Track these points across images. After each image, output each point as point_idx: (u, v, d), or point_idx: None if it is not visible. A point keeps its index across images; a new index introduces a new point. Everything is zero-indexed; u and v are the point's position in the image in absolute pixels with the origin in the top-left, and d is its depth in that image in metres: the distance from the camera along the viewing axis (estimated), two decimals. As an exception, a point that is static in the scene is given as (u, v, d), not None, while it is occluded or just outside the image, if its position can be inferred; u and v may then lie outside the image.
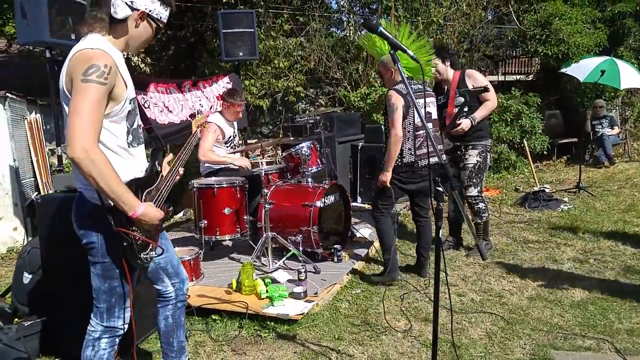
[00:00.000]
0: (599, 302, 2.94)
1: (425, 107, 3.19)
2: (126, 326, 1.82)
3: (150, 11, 1.67)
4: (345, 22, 8.65)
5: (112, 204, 1.58)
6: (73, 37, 3.04)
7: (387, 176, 3.20)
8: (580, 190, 5.99)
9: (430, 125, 3.25)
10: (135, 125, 1.74)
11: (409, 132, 3.18)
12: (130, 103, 1.68)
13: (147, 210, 1.64)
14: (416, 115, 3.13)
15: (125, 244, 1.64)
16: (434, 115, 3.33)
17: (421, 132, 3.19)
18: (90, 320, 1.81)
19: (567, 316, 2.78)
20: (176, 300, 2.02)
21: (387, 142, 3.23)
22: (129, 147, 1.71)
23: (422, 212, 3.44)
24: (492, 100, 3.71)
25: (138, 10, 1.65)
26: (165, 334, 2.05)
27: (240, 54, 4.92)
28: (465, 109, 3.59)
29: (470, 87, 3.67)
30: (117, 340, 1.83)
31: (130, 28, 1.67)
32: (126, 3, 1.62)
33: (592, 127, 8.19)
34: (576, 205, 5.40)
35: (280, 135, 7.58)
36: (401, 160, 3.21)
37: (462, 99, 3.65)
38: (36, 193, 4.94)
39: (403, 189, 3.32)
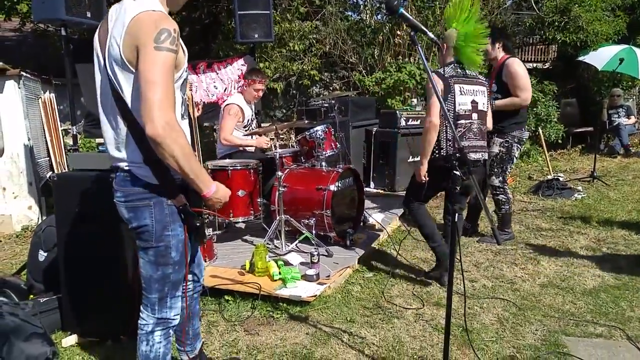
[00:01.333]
0: (611, 290, 2.93)
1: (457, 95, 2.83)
2: (179, 317, 1.72)
3: None
4: (361, 6, 8.50)
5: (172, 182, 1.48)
6: (88, 14, 3.04)
7: (422, 170, 2.87)
8: (595, 179, 5.93)
9: (475, 116, 2.90)
10: (185, 96, 1.63)
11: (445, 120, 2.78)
12: (185, 71, 1.58)
13: (218, 188, 1.57)
14: (457, 101, 2.80)
15: (198, 224, 1.56)
16: (481, 107, 2.94)
17: (463, 121, 2.85)
18: (140, 314, 1.70)
19: (579, 303, 2.78)
20: (193, 291, 1.95)
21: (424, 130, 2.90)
22: (182, 119, 1.57)
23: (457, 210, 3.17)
24: (521, 96, 3.56)
25: None
26: (180, 324, 1.98)
27: (256, 35, 4.87)
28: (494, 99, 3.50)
29: (504, 78, 3.57)
30: (171, 331, 1.73)
31: None
32: None
33: (608, 117, 8.05)
34: (590, 194, 5.34)
35: (294, 119, 7.56)
36: (439, 152, 2.85)
37: (495, 87, 3.56)
38: (50, 172, 5.00)
39: (444, 187, 2.97)
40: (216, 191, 1.56)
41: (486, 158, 3.07)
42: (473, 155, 2.91)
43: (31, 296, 2.78)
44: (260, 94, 4.22)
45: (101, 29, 1.54)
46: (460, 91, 2.84)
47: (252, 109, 4.28)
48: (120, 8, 1.48)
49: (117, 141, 1.54)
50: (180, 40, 1.48)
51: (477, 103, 2.93)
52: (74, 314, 2.49)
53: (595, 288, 2.97)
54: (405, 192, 3.23)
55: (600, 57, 7.35)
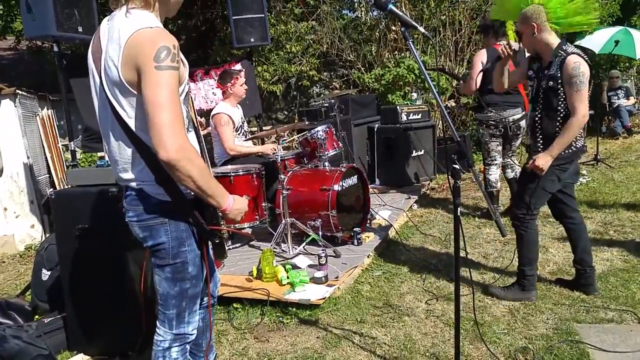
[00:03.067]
0: (620, 273, 2.91)
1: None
2: (196, 332, 1.67)
3: None
4: (356, 3, 8.48)
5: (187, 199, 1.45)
6: (80, 29, 3.02)
7: (548, 162, 2.48)
8: (598, 162, 5.90)
9: None
10: (188, 108, 1.57)
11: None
12: (187, 84, 1.52)
13: (235, 199, 1.52)
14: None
15: (217, 241, 1.53)
16: None
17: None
18: (157, 329, 1.64)
19: (590, 289, 2.74)
20: (207, 303, 1.91)
21: (562, 120, 2.50)
22: (187, 132, 1.49)
23: (569, 211, 2.75)
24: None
25: None
26: (194, 338, 1.95)
27: (252, 39, 4.86)
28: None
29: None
30: (188, 347, 1.68)
31: None
32: None
33: (608, 99, 8.01)
34: (594, 178, 5.31)
35: (296, 120, 7.55)
36: (575, 145, 2.52)
37: None
38: (51, 189, 4.99)
39: (560, 181, 2.61)
40: (234, 202, 1.51)
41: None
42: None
43: (36, 317, 2.76)
44: (244, 88, 4.15)
45: (93, 45, 1.48)
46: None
47: (240, 112, 4.25)
48: (112, 23, 1.41)
49: (123, 161, 1.49)
50: (180, 54, 1.43)
51: None
52: (79, 333, 2.46)
53: (605, 272, 2.94)
54: (517, 197, 2.74)
55: (596, 41, 7.32)
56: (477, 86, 3.93)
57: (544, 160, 2.48)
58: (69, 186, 2.50)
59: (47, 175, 5.13)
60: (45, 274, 2.83)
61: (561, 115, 2.50)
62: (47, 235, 4.81)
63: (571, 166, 2.59)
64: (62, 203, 2.41)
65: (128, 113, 1.41)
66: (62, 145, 5.25)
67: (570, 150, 2.53)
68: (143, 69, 1.31)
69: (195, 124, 1.67)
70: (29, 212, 4.87)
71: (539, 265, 3.13)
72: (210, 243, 1.59)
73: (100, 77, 1.42)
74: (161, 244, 1.51)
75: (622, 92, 8.03)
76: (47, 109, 5.32)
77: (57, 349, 2.45)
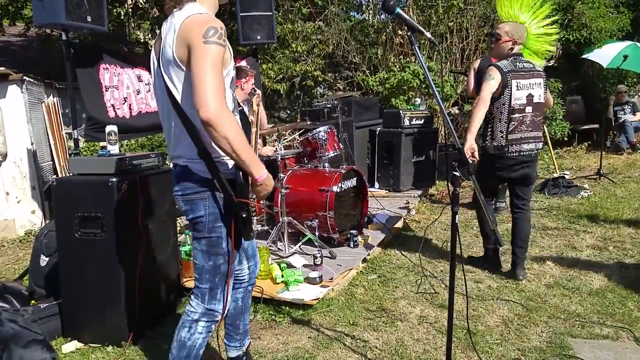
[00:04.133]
0: (618, 290, 2.89)
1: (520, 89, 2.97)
2: (223, 313, 1.77)
3: None
4: (364, 6, 8.48)
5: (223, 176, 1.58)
6: (89, 19, 3.02)
7: (468, 145, 2.92)
8: (601, 176, 5.87)
9: (529, 109, 3.00)
10: (234, 94, 1.73)
11: (501, 113, 2.97)
12: (233, 69, 1.66)
13: (268, 175, 1.62)
14: (513, 96, 2.93)
15: (244, 215, 1.62)
16: (537, 99, 3.02)
17: (517, 115, 2.97)
18: (190, 301, 1.76)
19: (586, 304, 2.74)
20: (248, 283, 2.01)
21: (491, 118, 3.03)
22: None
23: (520, 203, 3.17)
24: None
25: None
26: (232, 317, 2.01)
27: (258, 37, 4.85)
28: None
29: None
30: (213, 326, 1.77)
31: None
32: None
33: (614, 113, 7.97)
34: (596, 192, 5.28)
35: (298, 120, 7.55)
36: (491, 141, 3.02)
37: None
38: (54, 176, 5.01)
39: (502, 177, 3.13)
40: (267, 177, 1.61)
41: (540, 147, 3.10)
42: (526, 146, 3.02)
43: (32, 302, 2.77)
44: (251, 86, 4.14)
45: (156, 43, 1.68)
46: (517, 87, 2.96)
47: (246, 109, 4.24)
48: (170, 20, 1.61)
49: (174, 139, 1.64)
50: (227, 40, 1.57)
51: (532, 96, 3.02)
52: (74, 320, 2.48)
53: (602, 288, 2.93)
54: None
55: (605, 55, 7.27)
56: (472, 89, 4.29)
57: (468, 139, 2.95)
58: (71, 174, 2.51)
59: (50, 162, 5.16)
60: (44, 260, 2.84)
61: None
62: (47, 221, 4.84)
63: (495, 163, 3.05)
64: (63, 190, 2.43)
65: (177, 87, 1.57)
66: (65, 133, 5.28)
67: (485, 143, 3.04)
68: (192, 44, 1.47)
69: (236, 110, 1.75)
70: (30, 198, 4.89)
71: (535, 278, 3.13)
72: (237, 221, 1.64)
73: (159, 62, 1.61)
74: (199, 217, 1.64)
75: (629, 107, 7.98)
76: (53, 97, 5.35)
77: (52, 334, 2.47)
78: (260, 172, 1.59)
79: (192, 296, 1.76)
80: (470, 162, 2.90)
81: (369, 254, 3.53)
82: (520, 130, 2.99)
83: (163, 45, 1.58)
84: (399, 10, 1.74)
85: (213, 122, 1.43)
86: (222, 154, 1.57)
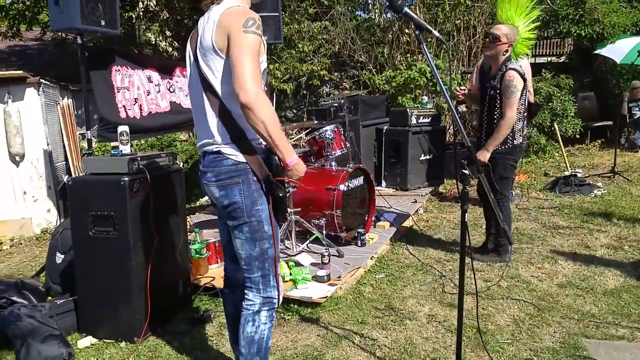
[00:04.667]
0: (634, 290, 2.84)
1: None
2: (279, 298, 1.76)
3: None
4: (370, 5, 8.48)
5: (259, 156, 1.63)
6: (103, 23, 3.08)
7: (486, 156, 3.13)
8: (615, 175, 5.76)
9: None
10: (265, 84, 1.74)
11: (519, 112, 3.12)
12: (266, 61, 1.73)
13: (299, 160, 1.66)
14: (529, 96, 3.22)
15: (281, 194, 1.65)
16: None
17: (525, 113, 3.22)
18: (246, 295, 1.75)
19: (600, 304, 2.70)
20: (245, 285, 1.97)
21: (497, 121, 3.13)
22: None
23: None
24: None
25: None
26: (234, 319, 1.92)
27: (265, 38, 4.89)
28: None
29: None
30: (274, 314, 1.77)
31: None
32: None
33: (628, 110, 7.83)
34: (610, 191, 5.19)
35: (305, 119, 7.57)
36: (512, 142, 3.17)
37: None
38: (67, 176, 5.11)
39: (513, 168, 3.35)
40: (297, 162, 1.65)
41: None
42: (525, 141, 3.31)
43: (49, 298, 2.84)
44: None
45: (192, 37, 1.75)
46: (527, 89, 3.21)
47: None
48: (207, 14, 1.68)
49: (206, 126, 1.68)
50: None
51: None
52: (89, 316, 2.53)
53: (617, 288, 2.88)
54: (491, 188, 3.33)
55: (619, 50, 7.15)
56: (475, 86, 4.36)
57: (482, 156, 3.15)
58: (85, 173, 2.56)
59: (64, 162, 5.26)
60: (59, 257, 2.91)
61: (497, 118, 3.15)
62: (62, 220, 4.93)
63: (517, 157, 3.28)
64: (78, 190, 2.48)
65: (215, 75, 1.63)
66: (79, 134, 5.38)
67: (507, 146, 3.16)
68: (232, 33, 1.55)
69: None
70: (46, 197, 5.00)
71: (546, 277, 3.10)
72: (275, 200, 1.68)
73: (196, 53, 1.68)
74: (235, 202, 1.65)
75: (644, 103, 7.84)
76: (67, 98, 5.45)
77: (68, 330, 2.53)
78: (292, 157, 1.63)
79: (246, 290, 1.75)
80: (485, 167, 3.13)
81: (376, 253, 3.53)
82: (526, 126, 3.29)
83: (201, 36, 1.65)
84: (406, 9, 1.74)
85: (252, 105, 1.49)
86: (256, 136, 1.62)
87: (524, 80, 3.09)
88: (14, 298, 2.59)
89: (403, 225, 4.22)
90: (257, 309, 1.72)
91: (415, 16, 1.77)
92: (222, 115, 1.65)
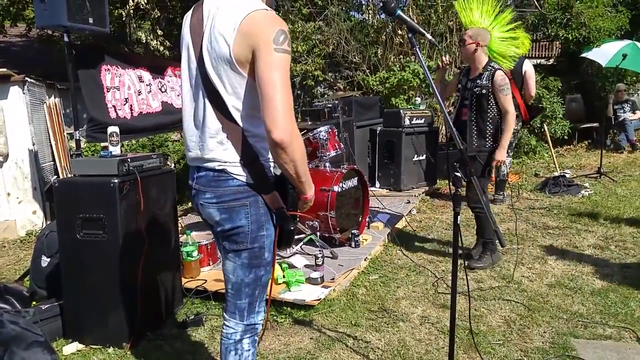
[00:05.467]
0: (620, 289, 2.89)
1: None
2: (265, 322, 1.62)
3: None
4: (364, 6, 8.49)
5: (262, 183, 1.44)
6: (91, 20, 3.02)
7: (504, 153, 3.22)
8: (602, 175, 5.87)
9: None
10: None
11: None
12: None
13: (313, 193, 1.53)
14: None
15: (292, 227, 1.50)
16: None
17: None
18: (226, 322, 1.57)
19: (588, 304, 2.74)
20: None
21: (491, 117, 3.23)
22: None
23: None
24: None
25: None
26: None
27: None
28: None
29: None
30: (257, 337, 1.61)
31: None
32: None
33: (614, 112, 7.98)
34: (597, 191, 5.29)
35: (299, 119, 7.54)
36: (493, 143, 3.29)
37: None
38: (54, 177, 5.01)
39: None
40: (312, 195, 1.52)
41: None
42: None
43: (33, 303, 2.77)
44: None
45: (193, 18, 1.47)
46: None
47: None
48: (219, 1, 1.40)
49: (206, 142, 1.44)
50: None
51: None
52: (75, 321, 2.48)
53: (604, 288, 2.93)
54: (472, 191, 3.33)
55: (604, 53, 7.29)
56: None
57: (501, 154, 3.21)
58: (73, 175, 2.51)
59: (51, 162, 5.16)
60: (45, 261, 2.84)
61: (490, 115, 3.23)
62: (48, 222, 4.84)
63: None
64: (65, 191, 2.43)
65: (227, 90, 1.38)
66: (67, 133, 5.28)
67: (495, 145, 3.23)
68: (261, 49, 1.29)
69: None
70: (32, 198, 4.89)
71: (537, 277, 3.13)
72: (283, 232, 1.52)
73: (201, 52, 1.41)
74: (240, 227, 1.44)
75: (628, 105, 7.99)
76: (55, 97, 5.35)
77: (53, 336, 2.46)
78: (312, 191, 1.50)
79: (226, 315, 1.57)
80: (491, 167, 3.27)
81: (370, 254, 3.53)
82: None
83: (211, 34, 1.37)
84: (399, 12, 1.74)
85: (286, 145, 1.29)
86: (267, 157, 1.44)
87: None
88: (-4, 303, 2.53)
89: (396, 226, 4.23)
90: (239, 337, 1.55)
91: (408, 19, 1.77)
92: (232, 136, 1.41)
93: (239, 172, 1.42)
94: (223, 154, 1.42)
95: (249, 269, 1.50)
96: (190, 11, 1.51)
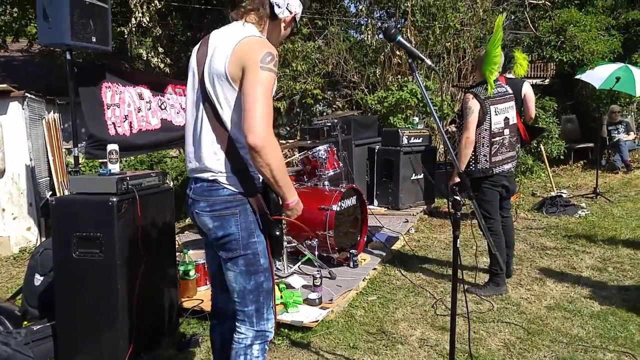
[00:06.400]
0: (619, 312, 2.87)
1: (498, 112, 3.20)
2: (273, 330, 1.71)
3: (297, 14, 1.72)
4: (363, 27, 8.66)
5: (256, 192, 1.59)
6: (94, 39, 3.05)
7: (454, 180, 3.20)
8: (598, 196, 5.90)
9: (507, 131, 3.23)
10: None
11: (484, 138, 3.14)
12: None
13: (298, 199, 1.63)
14: (493, 121, 3.14)
15: (277, 233, 1.61)
16: (512, 121, 3.27)
17: (498, 138, 3.18)
18: (237, 328, 1.67)
19: (587, 327, 2.72)
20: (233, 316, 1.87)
21: (459, 145, 3.21)
22: None
23: (504, 213, 3.43)
24: None
25: (291, 13, 1.69)
26: (220, 352, 1.86)
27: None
28: None
29: None
30: (266, 346, 1.70)
31: (280, 28, 1.71)
32: (286, 6, 1.66)
33: (608, 133, 8.08)
34: (594, 211, 5.30)
35: (298, 137, 7.58)
36: (475, 166, 3.18)
37: None
38: (50, 193, 4.98)
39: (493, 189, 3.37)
40: (297, 202, 1.63)
41: (514, 166, 3.34)
42: (506, 167, 3.23)
43: (25, 322, 2.71)
44: None
45: (200, 49, 1.67)
46: (495, 112, 3.18)
47: None
48: (222, 33, 1.63)
49: (202, 152, 1.60)
50: None
51: (508, 119, 3.25)
52: (68, 342, 2.42)
53: (603, 310, 2.91)
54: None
55: (597, 76, 7.43)
56: None
57: (452, 177, 3.26)
58: (70, 192, 2.49)
59: (47, 178, 5.13)
60: (38, 279, 2.79)
61: (459, 138, 3.25)
62: (43, 239, 4.78)
63: (493, 180, 3.22)
64: (63, 210, 2.41)
65: (222, 104, 1.56)
66: (65, 148, 5.27)
67: (469, 168, 3.18)
68: (249, 67, 1.49)
69: None
70: (27, 215, 4.84)
71: (535, 299, 3.12)
72: (271, 238, 1.64)
73: (203, 73, 1.60)
74: (231, 234, 1.58)
75: (622, 126, 8.09)
76: (54, 112, 5.35)
77: (45, 358, 2.41)
78: (293, 198, 1.60)
79: (237, 323, 1.67)
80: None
81: (368, 274, 3.50)
82: (501, 153, 3.20)
83: (212, 57, 1.58)
84: (399, 38, 1.77)
85: (259, 149, 1.45)
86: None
87: (481, 103, 3.10)
88: (-12, 323, 2.48)
89: (395, 245, 4.21)
90: (250, 342, 1.64)
91: (408, 45, 1.80)
92: (225, 145, 1.57)
93: (229, 182, 1.58)
94: (216, 163, 1.58)
95: (248, 276, 1.61)
96: (198, 45, 1.72)
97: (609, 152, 8.40)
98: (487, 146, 3.14)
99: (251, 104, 1.46)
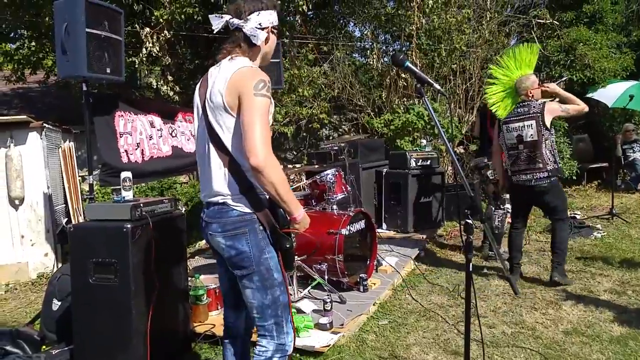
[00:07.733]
0: (640, 337, 2.79)
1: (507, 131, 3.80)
2: (293, 345, 1.79)
3: (272, 23, 1.80)
4: (368, 51, 8.82)
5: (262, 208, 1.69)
6: (108, 70, 3.17)
7: (505, 187, 4.02)
8: (614, 216, 5.77)
9: (521, 146, 3.69)
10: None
11: (504, 151, 3.87)
12: (272, 116, 1.79)
13: (304, 213, 1.73)
14: (505, 138, 3.77)
15: (287, 245, 1.71)
16: (527, 138, 3.65)
17: (512, 152, 3.74)
18: (258, 342, 1.77)
19: (607, 352, 2.64)
20: (245, 333, 1.99)
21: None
22: None
23: (551, 218, 3.89)
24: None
25: (267, 27, 1.78)
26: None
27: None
28: None
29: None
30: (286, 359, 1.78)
31: (264, 45, 1.80)
32: (257, 28, 1.75)
33: (622, 152, 7.96)
34: (610, 233, 5.19)
35: (305, 161, 7.65)
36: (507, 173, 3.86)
37: None
38: (66, 219, 5.08)
39: (518, 200, 3.96)
40: (303, 216, 1.72)
41: (540, 178, 3.64)
42: (523, 177, 3.69)
43: (44, 347, 2.76)
44: None
45: (201, 86, 1.82)
46: (507, 129, 3.77)
47: None
48: (218, 68, 1.76)
49: (214, 178, 1.72)
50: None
51: (522, 136, 3.69)
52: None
53: (623, 335, 2.83)
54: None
55: (610, 94, 7.37)
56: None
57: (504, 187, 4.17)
58: (86, 219, 2.56)
59: (64, 204, 5.24)
60: (56, 304, 2.85)
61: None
62: (60, 264, 4.85)
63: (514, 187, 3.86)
64: (79, 236, 2.47)
65: (224, 131, 1.69)
66: (79, 176, 5.40)
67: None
68: (244, 95, 1.62)
69: None
70: (44, 241, 4.94)
71: (551, 323, 3.04)
72: (282, 251, 1.75)
73: (204, 106, 1.75)
74: (243, 252, 1.70)
75: (638, 145, 7.97)
76: (69, 141, 5.52)
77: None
78: (299, 212, 1.70)
79: (258, 337, 1.76)
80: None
81: (379, 299, 3.47)
82: (517, 164, 3.71)
83: (211, 91, 1.71)
84: (408, 63, 1.83)
85: (262, 169, 1.56)
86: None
87: (499, 125, 3.85)
88: (8, 347, 2.53)
89: (405, 269, 4.17)
90: (270, 355, 1.73)
91: (417, 70, 1.86)
92: (231, 169, 1.70)
93: (238, 203, 1.70)
94: (224, 187, 1.70)
95: (265, 291, 1.71)
96: (199, 82, 1.86)
97: (624, 171, 8.27)
98: (507, 157, 3.81)
99: (249, 128, 1.58)
